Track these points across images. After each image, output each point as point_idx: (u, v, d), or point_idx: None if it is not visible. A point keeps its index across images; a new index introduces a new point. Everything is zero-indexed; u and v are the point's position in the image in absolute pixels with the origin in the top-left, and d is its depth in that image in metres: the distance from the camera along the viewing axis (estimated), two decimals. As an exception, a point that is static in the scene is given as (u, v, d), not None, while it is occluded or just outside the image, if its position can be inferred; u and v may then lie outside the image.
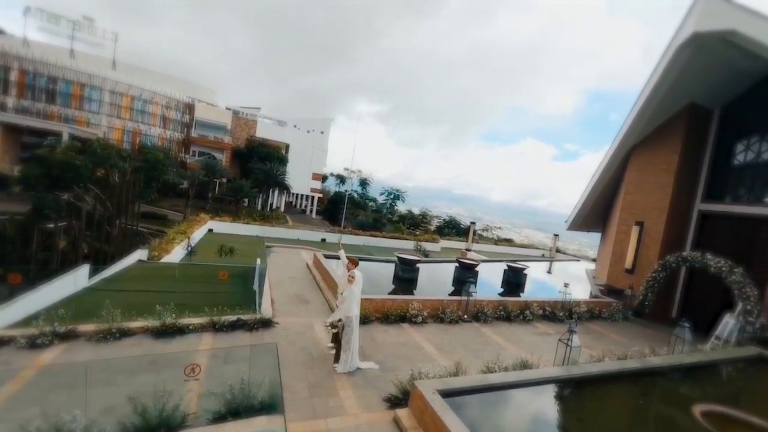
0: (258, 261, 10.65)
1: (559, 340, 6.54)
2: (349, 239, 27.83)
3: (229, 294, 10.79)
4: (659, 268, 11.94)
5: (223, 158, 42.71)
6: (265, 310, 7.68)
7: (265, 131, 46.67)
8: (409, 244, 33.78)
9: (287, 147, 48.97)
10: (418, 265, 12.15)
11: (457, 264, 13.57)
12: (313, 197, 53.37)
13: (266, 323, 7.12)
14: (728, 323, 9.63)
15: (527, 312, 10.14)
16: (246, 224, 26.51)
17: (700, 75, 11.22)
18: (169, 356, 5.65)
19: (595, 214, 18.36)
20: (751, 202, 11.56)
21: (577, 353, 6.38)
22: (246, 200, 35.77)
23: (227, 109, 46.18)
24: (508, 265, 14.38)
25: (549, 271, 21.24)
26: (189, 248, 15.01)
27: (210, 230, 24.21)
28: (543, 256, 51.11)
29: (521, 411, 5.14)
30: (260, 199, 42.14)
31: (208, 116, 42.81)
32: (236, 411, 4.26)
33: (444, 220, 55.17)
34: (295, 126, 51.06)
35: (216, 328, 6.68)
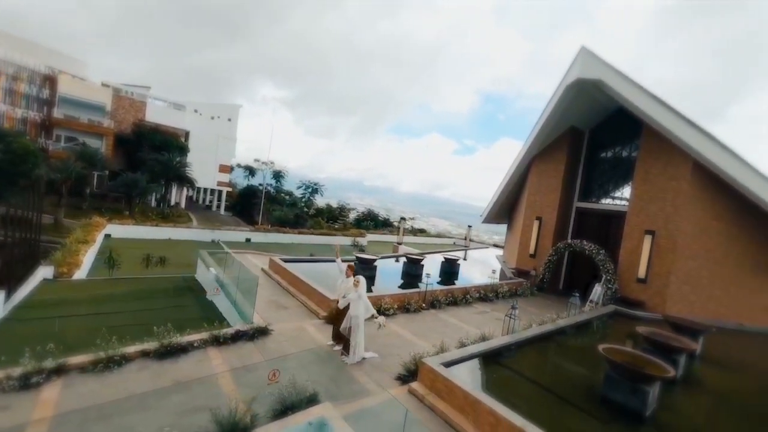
0: (229, 265, 10.63)
1: (506, 315, 8.78)
2: (275, 238, 27.43)
3: (182, 308, 10.50)
4: (553, 253, 15.81)
5: (102, 146, 36.06)
6: (256, 318, 8.10)
7: (157, 115, 40.93)
8: (340, 240, 34.90)
9: (187, 135, 44.14)
10: (375, 263, 13.53)
11: (405, 259, 15.39)
12: (220, 191, 49.41)
13: (263, 331, 7.62)
14: (597, 290, 13.62)
15: (468, 296, 12.52)
16: (156, 227, 23.87)
17: (577, 106, 15.14)
18: (195, 380, 5.90)
19: (503, 210, 22.45)
20: (606, 201, 16.20)
21: (518, 324, 8.72)
22: (138, 198, 31.05)
23: (104, 85, 38.97)
24: (444, 257, 16.86)
25: (465, 258, 24.93)
26: (110, 260, 13.42)
27: (107, 236, 21.20)
28: (455, 243, 57.53)
29: (494, 369, 7.06)
30: (155, 196, 37.37)
31: (77, 92, 35.26)
32: (291, 406, 5.06)
33: (362, 212, 56.97)
34: (196, 111, 46.28)
35: (219, 341, 6.96)
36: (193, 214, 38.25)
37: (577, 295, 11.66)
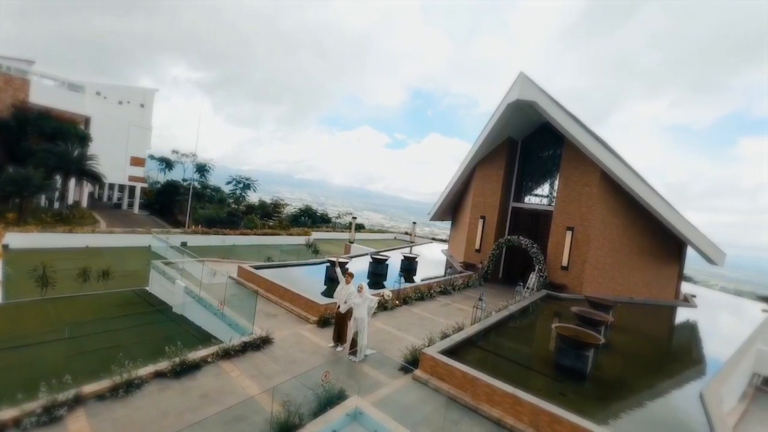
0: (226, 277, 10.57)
1: (474, 306, 10.49)
2: (216, 240, 26.20)
3: (153, 326, 10.20)
4: (495, 247, 18.39)
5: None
6: (256, 329, 8.45)
7: (47, 96, 35.07)
8: (287, 240, 34.39)
9: (88, 121, 38.62)
10: (347, 265, 14.29)
11: (371, 259, 16.42)
12: (133, 188, 44.27)
13: (267, 340, 8.07)
14: (532, 278, 16.41)
15: (431, 291, 14.15)
16: (69, 233, 21.08)
17: (514, 121, 17.76)
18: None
19: (448, 209, 24.87)
20: (535, 201, 19.34)
21: (483, 314, 10.50)
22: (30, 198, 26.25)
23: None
24: (404, 255, 18.34)
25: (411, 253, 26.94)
26: (44, 278, 11.94)
27: (5, 246, 18.34)
28: (395, 238, 59.96)
29: (473, 351, 8.61)
30: (54, 195, 32.29)
31: None
32: (328, 402, 5.87)
33: (299, 208, 55.54)
34: (99, 94, 40.64)
35: (230, 354, 7.27)
36: (98, 215, 33.85)
37: (521, 284, 14.08)
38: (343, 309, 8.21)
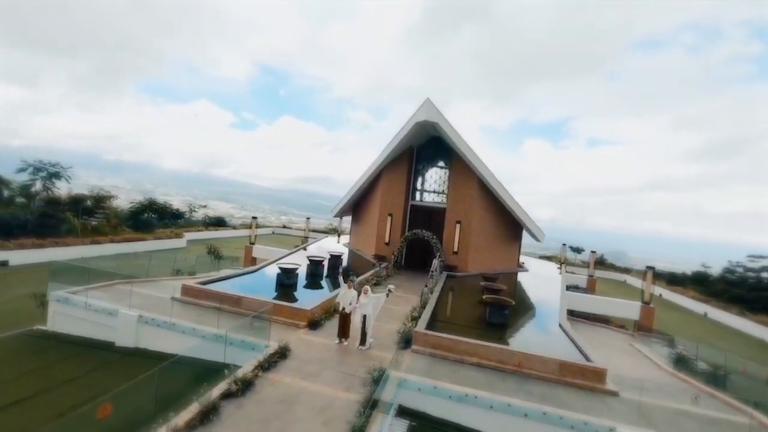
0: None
1: (422, 291, 13.86)
2: (53, 254, 21.63)
3: (115, 368, 9.51)
4: (403, 240, 22.44)
5: None
6: (271, 342, 9.39)
7: None
8: (154, 245, 30.23)
9: None
10: (296, 271, 15.27)
11: (308, 261, 17.59)
12: None
13: (287, 348, 9.23)
14: (435, 263, 21.17)
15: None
16: None
17: (416, 134, 21.89)
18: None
19: (351, 206, 27.67)
20: (426, 199, 24.35)
21: (428, 298, 14.00)
22: None
23: None
24: (309, 259, 19.75)
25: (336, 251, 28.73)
26: None
27: None
28: (273, 233, 58.77)
29: (436, 323, 11.91)
30: None
31: None
32: (380, 379, 8.05)
33: (140, 203, 46.37)
34: None
35: (267, 368, 8.26)
36: None
37: (433, 271, 18.41)
38: (348, 309, 10.12)
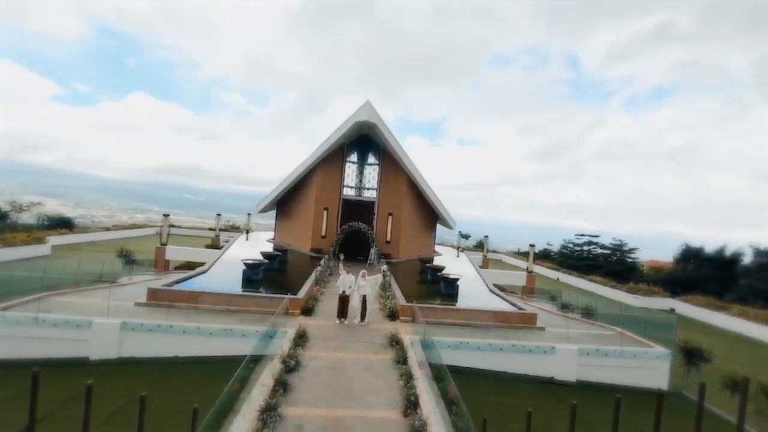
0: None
1: (383, 276, 16.14)
2: None
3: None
4: (340, 233, 24.15)
5: None
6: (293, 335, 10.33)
7: None
8: (11, 254, 24.77)
9: None
10: (262, 267, 15.42)
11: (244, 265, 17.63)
12: None
13: (304, 332, 10.38)
14: (372, 252, 23.63)
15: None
16: None
17: (351, 132, 23.72)
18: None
19: (275, 202, 27.77)
20: (357, 193, 26.55)
21: (390, 280, 16.37)
22: None
23: None
24: (264, 254, 20.08)
25: (273, 251, 27.86)
26: None
27: None
28: (158, 232, 51.86)
29: (407, 298, 14.36)
30: None
31: None
32: (396, 340, 10.13)
33: None
34: None
35: (301, 346, 9.39)
36: None
37: (385, 263, 20.85)
38: (348, 292, 11.73)
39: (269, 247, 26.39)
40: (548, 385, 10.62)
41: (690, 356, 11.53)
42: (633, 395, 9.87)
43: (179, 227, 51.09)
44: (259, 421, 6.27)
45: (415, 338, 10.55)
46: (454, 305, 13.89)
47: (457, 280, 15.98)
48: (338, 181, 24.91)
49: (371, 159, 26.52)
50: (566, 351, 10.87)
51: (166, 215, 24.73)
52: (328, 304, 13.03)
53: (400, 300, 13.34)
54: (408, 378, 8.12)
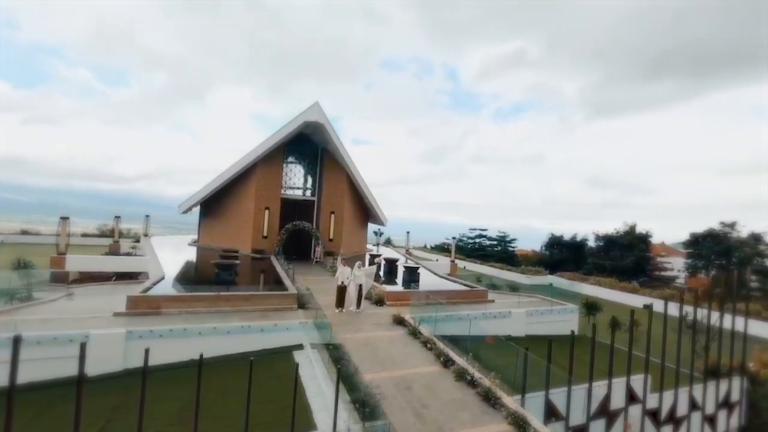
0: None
1: (376, 269, 17.62)
2: None
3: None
4: (284, 232, 24.31)
5: None
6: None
7: None
8: None
9: None
10: (235, 267, 14.96)
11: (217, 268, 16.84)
12: None
13: (322, 321, 11.36)
14: (318, 250, 24.49)
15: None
16: None
17: (294, 131, 24.09)
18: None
19: (202, 202, 26.10)
20: (296, 193, 26.96)
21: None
22: None
23: None
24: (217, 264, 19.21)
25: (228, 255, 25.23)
26: None
27: None
28: (2, 242, 42.18)
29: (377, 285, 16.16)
30: None
31: None
32: (401, 320, 12.01)
33: None
34: None
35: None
36: None
37: (333, 260, 22.01)
38: (347, 283, 13.01)
39: (194, 251, 24.65)
40: (507, 340, 13.95)
41: (589, 309, 16.45)
42: (558, 340, 13.86)
43: (41, 234, 41.64)
44: (348, 389, 7.51)
45: (416, 316, 12.59)
46: (423, 289, 16.34)
47: (418, 268, 18.49)
48: (279, 180, 24.89)
49: (310, 158, 27.14)
50: (518, 314, 14.40)
51: (65, 218, 20.86)
52: (319, 297, 13.99)
53: (386, 287, 15.14)
54: (432, 344, 10.16)
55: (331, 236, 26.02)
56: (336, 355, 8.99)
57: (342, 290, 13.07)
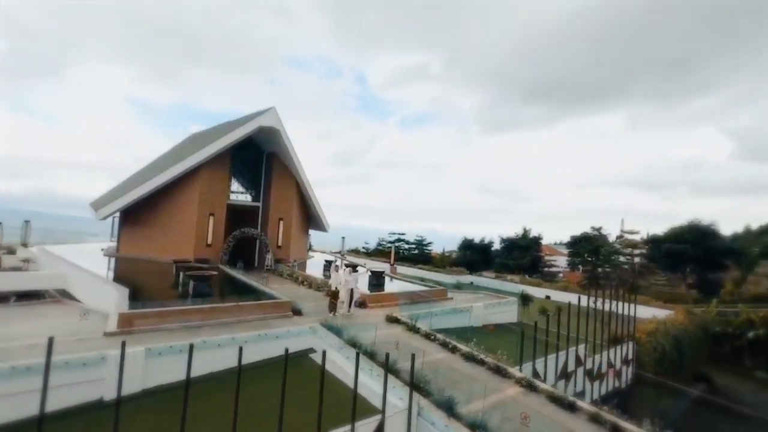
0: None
1: (324, 274, 18.40)
2: None
3: None
4: (231, 239, 23.45)
5: None
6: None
7: None
8: None
9: None
10: (212, 279, 14.28)
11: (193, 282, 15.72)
12: None
13: (327, 322, 12.20)
14: (268, 257, 24.24)
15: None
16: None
17: (244, 135, 23.51)
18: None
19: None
20: (242, 198, 26.14)
21: (327, 279, 18.72)
22: None
23: None
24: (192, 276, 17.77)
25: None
26: None
27: None
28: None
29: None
30: None
31: None
32: (396, 319, 13.60)
33: None
34: None
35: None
36: None
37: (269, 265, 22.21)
38: (340, 288, 14.01)
39: (123, 262, 22.08)
40: (467, 330, 16.67)
41: (525, 300, 20.32)
42: (504, 327, 17.22)
43: None
44: (394, 375, 8.88)
45: (414, 315, 14.29)
46: (394, 291, 18.09)
47: (383, 272, 20.14)
48: (225, 185, 23.88)
49: (253, 162, 26.54)
50: (478, 307, 17.22)
51: (25, 221, 16.78)
52: (307, 304, 14.62)
53: (365, 290, 16.41)
54: (434, 336, 12.04)
55: (280, 243, 25.91)
56: (367, 349, 10.17)
57: (335, 295, 14.02)
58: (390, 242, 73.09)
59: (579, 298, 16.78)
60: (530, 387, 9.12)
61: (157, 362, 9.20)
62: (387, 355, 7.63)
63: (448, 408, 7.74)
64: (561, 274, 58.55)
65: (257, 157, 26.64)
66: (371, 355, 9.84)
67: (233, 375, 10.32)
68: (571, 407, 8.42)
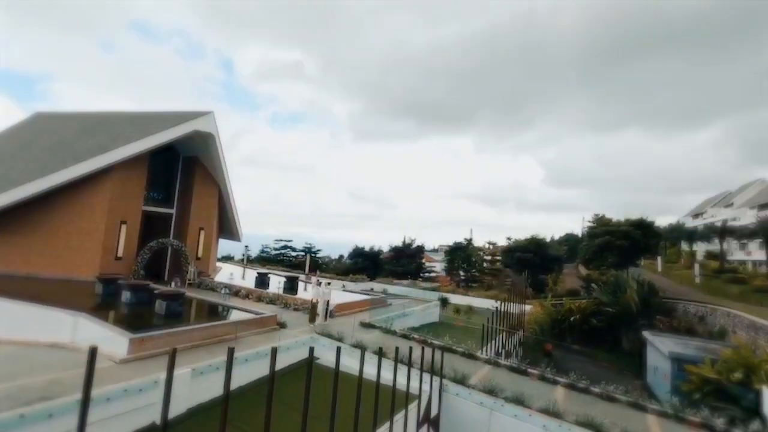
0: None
1: (279, 289, 19.15)
2: None
3: None
4: (147, 251, 21.36)
5: None
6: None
7: None
8: None
9: None
10: (181, 298, 13.45)
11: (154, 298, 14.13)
12: None
13: (319, 331, 13.74)
14: (191, 270, 22.84)
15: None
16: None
17: (177, 138, 21.81)
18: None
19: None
20: (159, 207, 23.80)
21: (281, 293, 19.46)
22: None
23: None
24: (160, 295, 15.81)
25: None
26: None
27: None
28: None
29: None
30: None
31: None
32: (373, 325, 15.99)
33: None
34: None
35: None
36: None
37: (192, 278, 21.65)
38: (318, 299, 15.55)
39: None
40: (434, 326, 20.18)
41: (443, 302, 24.98)
42: (431, 324, 21.47)
43: None
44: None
45: (388, 318, 16.73)
46: (356, 299, 20.11)
47: (330, 282, 21.77)
48: (141, 190, 21.51)
49: (170, 165, 24.44)
50: (417, 310, 20.87)
51: None
52: (286, 315, 15.59)
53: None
54: (409, 335, 14.97)
55: (200, 254, 24.56)
56: (372, 349, 12.38)
57: (315, 306, 15.49)
58: (276, 249, 71.86)
59: (502, 301, 22.27)
60: (496, 364, 13.00)
61: (199, 382, 9.56)
62: (410, 349, 10.22)
63: (461, 381, 10.85)
64: (438, 279, 68.53)
65: (171, 159, 24.61)
66: (380, 353, 12.14)
67: (254, 388, 11.39)
68: (524, 373, 12.59)
